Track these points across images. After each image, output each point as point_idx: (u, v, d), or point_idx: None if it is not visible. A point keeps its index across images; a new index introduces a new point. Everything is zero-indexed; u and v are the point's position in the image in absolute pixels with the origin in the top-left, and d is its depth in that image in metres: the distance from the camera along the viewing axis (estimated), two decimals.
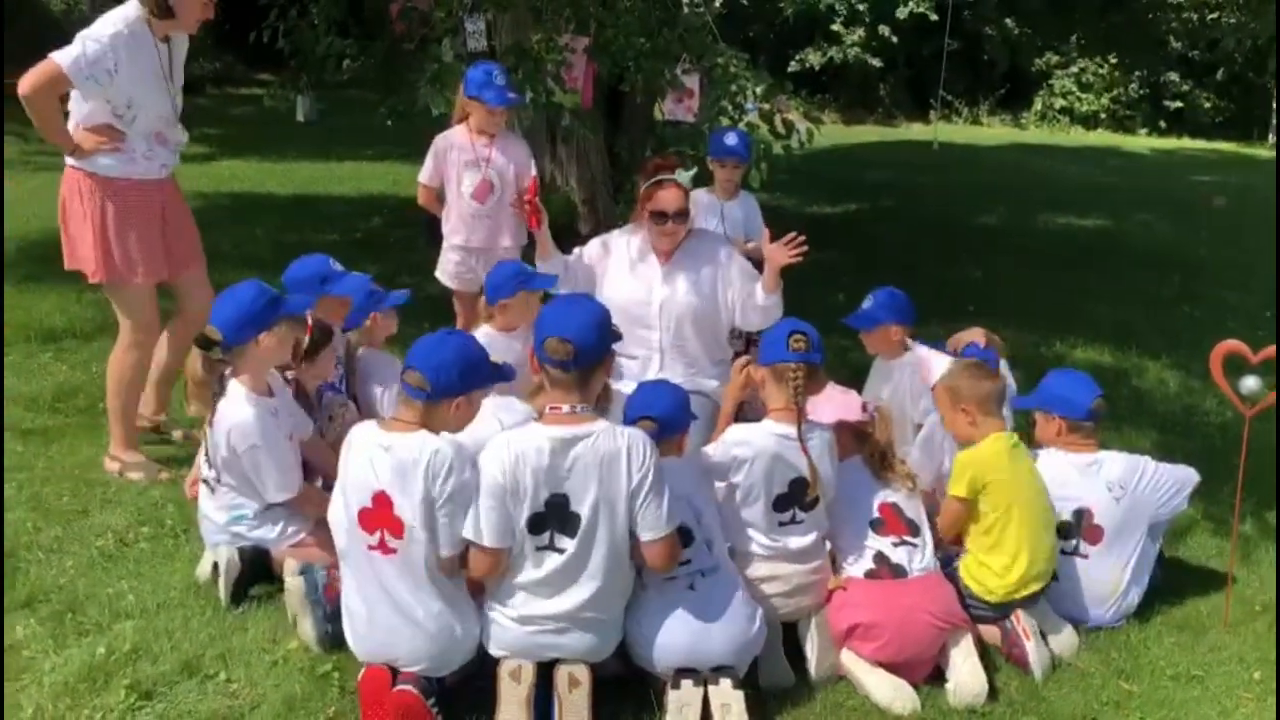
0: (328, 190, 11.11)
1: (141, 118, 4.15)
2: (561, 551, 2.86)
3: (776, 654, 3.16)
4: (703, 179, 5.17)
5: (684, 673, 2.92)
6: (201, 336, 3.40)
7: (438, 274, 5.24)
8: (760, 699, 3.02)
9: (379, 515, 2.81)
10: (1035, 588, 3.37)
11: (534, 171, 5.02)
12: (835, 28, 23.59)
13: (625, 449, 2.85)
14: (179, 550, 3.66)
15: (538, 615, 2.88)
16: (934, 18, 21.09)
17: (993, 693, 3.12)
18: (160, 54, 4.16)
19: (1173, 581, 3.77)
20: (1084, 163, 17.78)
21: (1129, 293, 8.24)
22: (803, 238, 4.02)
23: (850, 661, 3.18)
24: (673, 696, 2.87)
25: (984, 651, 3.25)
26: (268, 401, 3.43)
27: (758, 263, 4.32)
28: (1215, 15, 18.01)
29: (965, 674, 3.11)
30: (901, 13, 22.20)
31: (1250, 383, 3.56)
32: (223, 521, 3.46)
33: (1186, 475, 3.70)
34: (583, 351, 2.87)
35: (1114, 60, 23.94)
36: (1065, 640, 3.39)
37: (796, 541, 3.25)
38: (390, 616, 2.84)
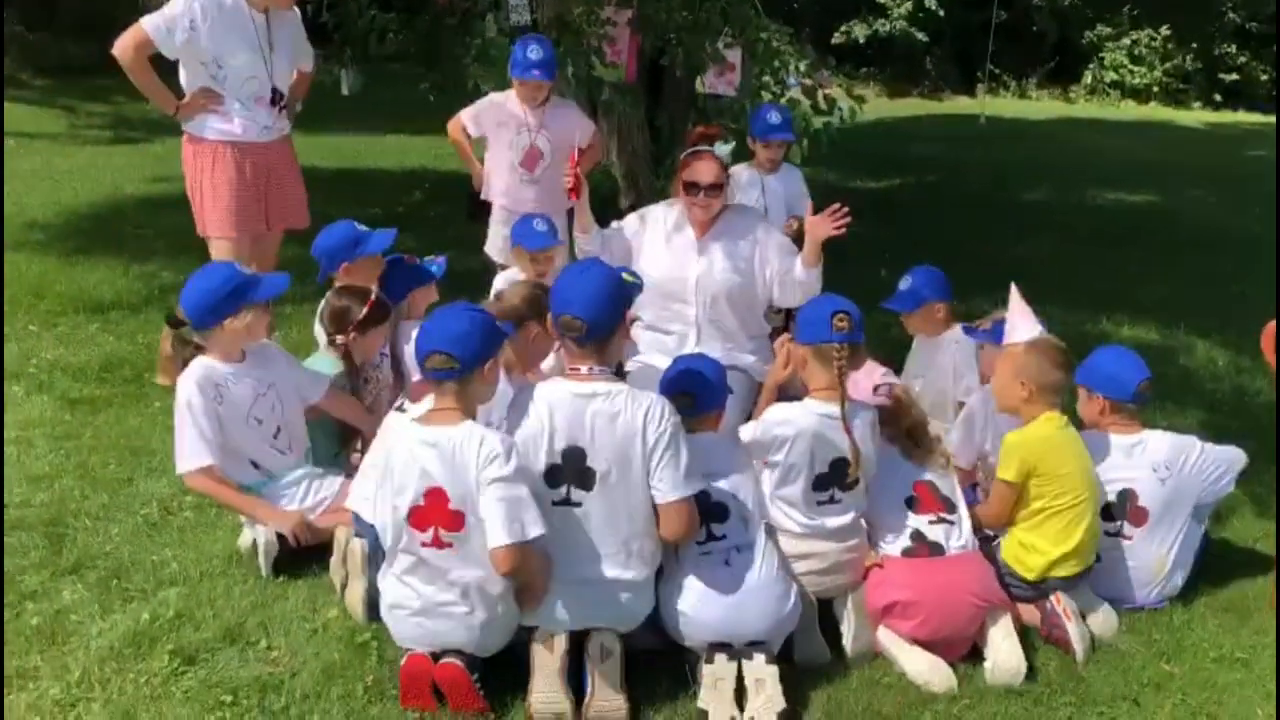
0: (371, 164, 11.17)
1: (232, 78, 4.38)
2: (578, 505, 2.88)
3: (812, 630, 3.15)
4: (743, 154, 5.14)
5: (718, 647, 2.92)
6: (171, 315, 3.52)
7: (486, 249, 5.26)
8: (795, 675, 3.02)
9: (433, 511, 2.79)
10: (1075, 569, 3.33)
11: (591, 140, 5.01)
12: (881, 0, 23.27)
13: (644, 409, 2.87)
14: (221, 519, 3.71)
15: (563, 578, 2.90)
16: None
17: (1031, 673, 3.09)
18: (255, 23, 4.40)
19: (1218, 563, 3.71)
20: (1134, 137, 17.46)
21: (1179, 270, 8.10)
22: (846, 209, 3.97)
23: (887, 639, 3.16)
24: (707, 670, 2.88)
25: (1023, 631, 3.22)
26: (221, 370, 3.45)
27: (800, 241, 4.28)
28: None
29: (1004, 653, 3.09)
30: None
31: None
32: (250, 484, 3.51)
33: (1234, 456, 3.62)
34: (594, 325, 2.91)
35: (1167, 32, 23.40)
36: (1104, 621, 3.35)
37: (834, 521, 3.23)
38: (440, 608, 2.85)
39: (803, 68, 6.32)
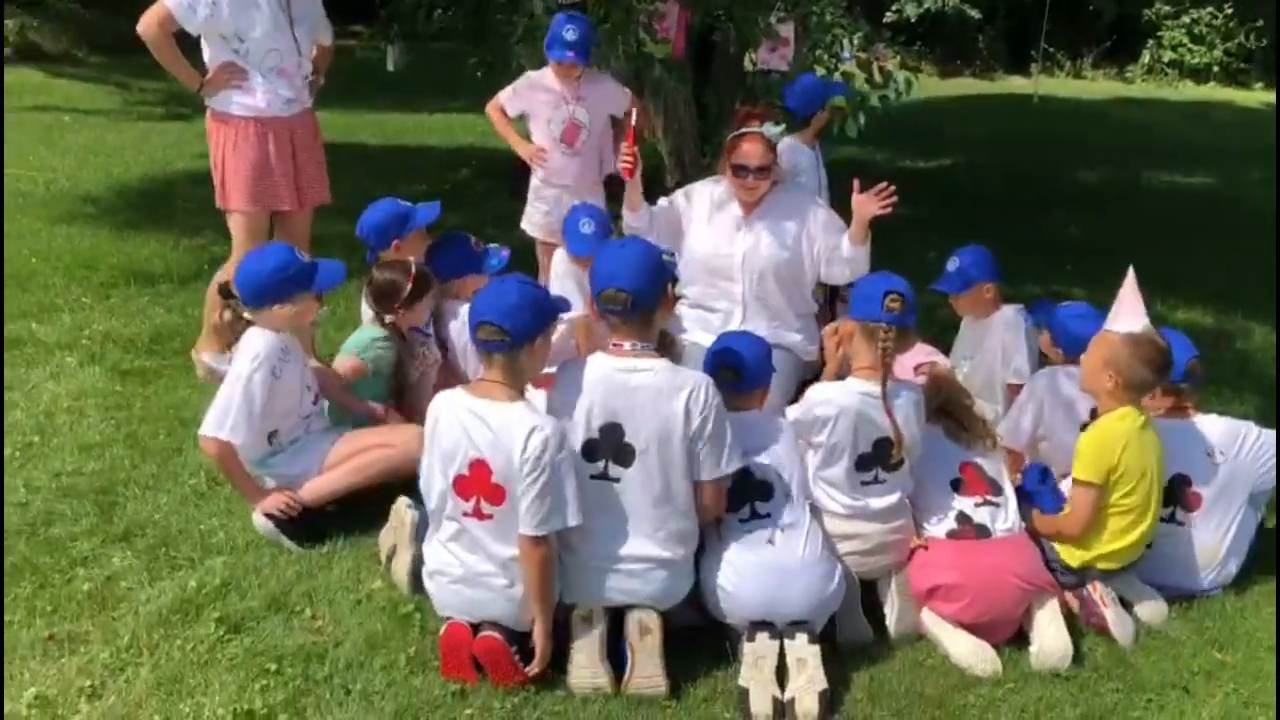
0: (417, 141, 11.20)
1: (254, 50, 4.38)
2: (616, 481, 2.88)
3: (855, 610, 3.13)
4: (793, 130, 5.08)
5: (760, 625, 2.91)
6: (224, 285, 3.57)
7: (523, 225, 5.24)
8: (838, 655, 3.00)
9: (476, 482, 2.81)
10: (1117, 565, 3.26)
11: (633, 111, 4.98)
12: None
13: (687, 389, 2.86)
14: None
15: (600, 554, 2.90)
16: None
17: (1078, 658, 3.05)
18: None
19: (1273, 551, 3.62)
20: (1192, 118, 17.06)
21: (1236, 254, 7.90)
22: (893, 187, 3.92)
23: (931, 621, 3.13)
24: (748, 649, 2.86)
25: (1069, 616, 3.17)
26: (279, 343, 3.49)
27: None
28: None
29: (1049, 637, 3.05)
30: None
31: None
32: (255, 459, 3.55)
33: None
34: (639, 297, 2.90)
35: (1229, 10, 22.81)
36: (1153, 609, 3.29)
37: (878, 502, 3.20)
38: (480, 578, 2.86)
39: (856, 41, 6.20)
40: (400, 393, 4.02)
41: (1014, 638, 3.13)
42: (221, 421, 3.38)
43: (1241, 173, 11.64)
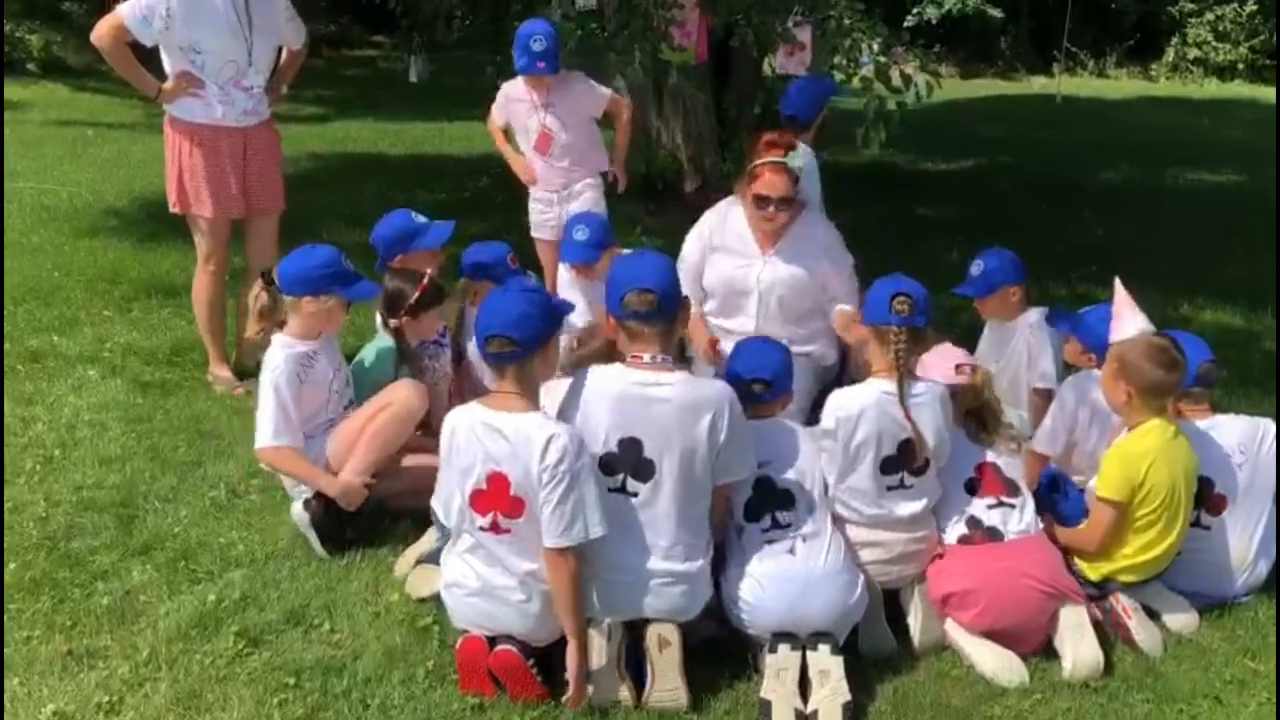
0: (438, 150, 11.22)
1: (210, 62, 4.39)
2: (634, 495, 2.85)
3: (878, 621, 3.09)
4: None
5: (781, 637, 2.87)
6: (268, 271, 3.66)
7: (533, 231, 5.30)
8: (860, 666, 2.96)
9: (494, 495, 2.77)
10: (1140, 578, 3.21)
11: (608, 107, 4.96)
12: None
13: (711, 410, 2.83)
14: (287, 502, 3.73)
15: (618, 567, 2.85)
16: None
17: (1106, 668, 3.00)
18: (235, 5, 4.37)
19: None
20: (1218, 115, 16.88)
21: (1263, 253, 7.78)
22: None
23: (955, 632, 3.08)
24: (770, 660, 2.83)
25: (1097, 625, 3.11)
26: (303, 348, 3.54)
27: None
28: None
29: (1082, 649, 2.99)
30: None
31: None
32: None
33: None
34: (665, 299, 2.88)
35: (1255, 6, 22.57)
36: (1183, 618, 3.23)
37: (904, 508, 3.15)
38: (497, 591, 2.83)
39: (875, 46, 6.12)
40: None
41: (1040, 648, 3.06)
42: (266, 431, 3.46)
43: (1268, 170, 11.47)
